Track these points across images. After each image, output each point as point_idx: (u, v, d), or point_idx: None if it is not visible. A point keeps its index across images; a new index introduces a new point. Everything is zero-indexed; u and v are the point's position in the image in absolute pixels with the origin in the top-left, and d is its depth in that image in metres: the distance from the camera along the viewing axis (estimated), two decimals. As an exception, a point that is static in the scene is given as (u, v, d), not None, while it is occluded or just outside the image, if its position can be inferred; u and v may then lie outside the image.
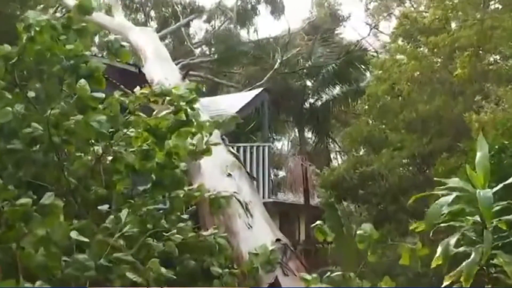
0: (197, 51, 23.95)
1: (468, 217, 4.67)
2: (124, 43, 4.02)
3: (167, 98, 4.12)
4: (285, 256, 4.67)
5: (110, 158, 3.98)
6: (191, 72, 18.16)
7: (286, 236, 5.12)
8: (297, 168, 20.40)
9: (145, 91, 4.22)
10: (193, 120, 4.19)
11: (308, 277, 3.94)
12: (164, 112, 4.13)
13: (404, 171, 13.32)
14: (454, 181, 4.86)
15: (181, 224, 4.22)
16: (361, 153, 14.74)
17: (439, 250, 4.56)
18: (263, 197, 11.71)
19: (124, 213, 3.82)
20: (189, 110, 4.13)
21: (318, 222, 4.33)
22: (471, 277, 4.37)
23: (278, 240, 4.87)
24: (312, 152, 22.59)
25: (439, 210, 4.48)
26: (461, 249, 4.64)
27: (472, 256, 4.47)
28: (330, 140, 23.84)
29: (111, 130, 3.87)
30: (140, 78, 9.16)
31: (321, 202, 14.09)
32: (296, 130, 23.00)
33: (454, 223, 4.71)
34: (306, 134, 23.64)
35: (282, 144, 31.30)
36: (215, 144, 4.64)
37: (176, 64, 15.79)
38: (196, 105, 4.28)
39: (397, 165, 12.94)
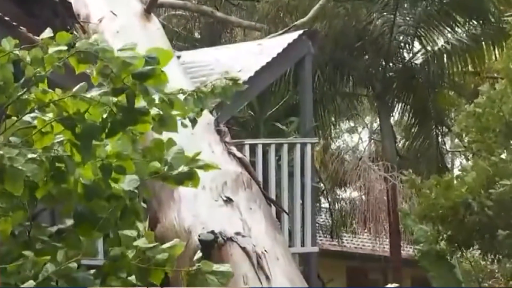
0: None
1: None
2: None
3: (102, 65, 4.17)
4: None
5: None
6: (164, 0, 18.22)
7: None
8: (378, 186, 20.33)
9: (61, 42, 4.27)
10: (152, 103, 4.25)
11: None
12: (96, 92, 4.17)
13: None
14: None
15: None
16: (503, 155, 14.60)
17: None
18: (304, 244, 11.87)
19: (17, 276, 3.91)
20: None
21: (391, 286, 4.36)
22: None
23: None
24: (407, 155, 22.44)
25: None
26: None
27: None
28: (444, 130, 23.50)
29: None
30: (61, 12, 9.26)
31: (418, 249, 14.02)
32: (378, 112, 22.84)
33: None
34: (396, 120, 23.48)
35: (359, 139, 31.35)
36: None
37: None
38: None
39: None
